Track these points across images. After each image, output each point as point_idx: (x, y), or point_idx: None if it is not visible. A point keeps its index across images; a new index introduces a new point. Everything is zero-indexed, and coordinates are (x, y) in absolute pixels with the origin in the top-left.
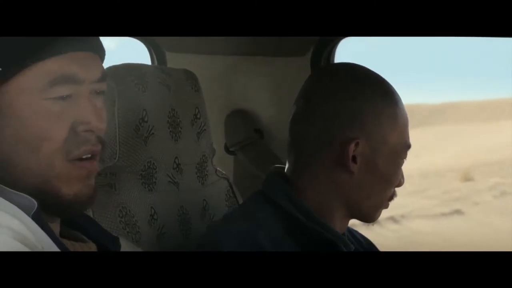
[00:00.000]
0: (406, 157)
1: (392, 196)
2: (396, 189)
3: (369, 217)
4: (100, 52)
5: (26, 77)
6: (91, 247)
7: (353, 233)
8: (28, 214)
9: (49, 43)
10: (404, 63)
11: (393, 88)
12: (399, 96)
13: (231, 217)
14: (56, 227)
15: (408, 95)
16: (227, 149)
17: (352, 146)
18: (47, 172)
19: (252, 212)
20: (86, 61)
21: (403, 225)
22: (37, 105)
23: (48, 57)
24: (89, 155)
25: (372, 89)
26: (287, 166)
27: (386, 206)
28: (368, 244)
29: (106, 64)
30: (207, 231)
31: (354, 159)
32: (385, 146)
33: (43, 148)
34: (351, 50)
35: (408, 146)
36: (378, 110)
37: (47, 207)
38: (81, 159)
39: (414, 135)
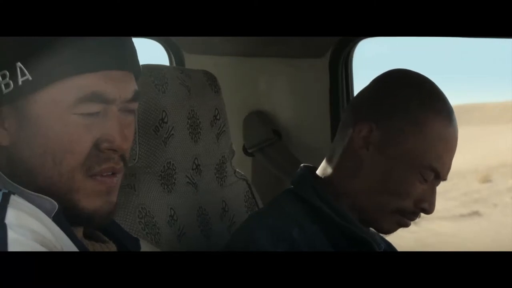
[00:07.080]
0: (427, 179)
1: (404, 212)
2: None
3: (376, 223)
4: (136, 71)
5: (57, 90)
6: (111, 247)
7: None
8: (49, 216)
9: (82, 59)
10: (427, 63)
11: (447, 105)
12: (448, 113)
13: (262, 214)
14: (79, 228)
15: None
16: (245, 151)
17: (364, 127)
18: (67, 184)
19: (284, 208)
20: (119, 80)
21: (422, 226)
22: (64, 118)
23: (81, 73)
24: (110, 173)
25: (415, 89)
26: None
27: (401, 221)
28: (388, 246)
29: None
30: (239, 228)
31: (367, 145)
32: (399, 147)
33: (65, 161)
34: (372, 51)
35: (431, 168)
36: (407, 108)
37: (67, 217)
38: (101, 175)
39: None
